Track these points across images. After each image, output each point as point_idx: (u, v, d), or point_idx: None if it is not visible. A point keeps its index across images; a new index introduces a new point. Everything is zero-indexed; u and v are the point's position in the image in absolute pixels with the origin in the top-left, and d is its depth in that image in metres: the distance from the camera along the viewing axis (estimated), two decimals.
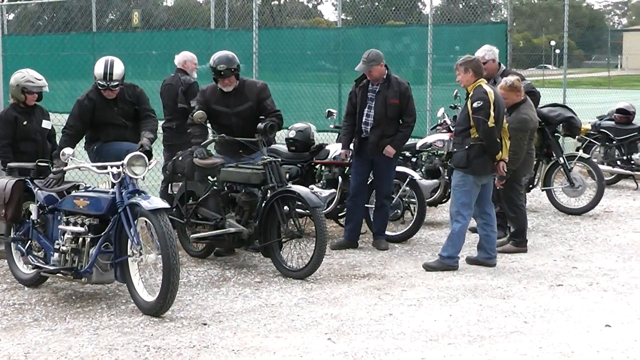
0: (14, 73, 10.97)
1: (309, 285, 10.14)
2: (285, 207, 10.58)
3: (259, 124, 10.96)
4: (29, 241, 9.87)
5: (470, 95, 10.86)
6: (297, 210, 10.95)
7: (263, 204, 10.64)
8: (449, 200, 14.38)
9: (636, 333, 8.43)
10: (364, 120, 11.96)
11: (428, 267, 10.91)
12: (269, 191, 10.58)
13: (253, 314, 8.99)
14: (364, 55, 11.87)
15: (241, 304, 9.39)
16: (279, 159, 11.26)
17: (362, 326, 8.59)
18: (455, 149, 10.99)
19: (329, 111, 13.31)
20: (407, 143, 13.04)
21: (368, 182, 12.22)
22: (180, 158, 11.43)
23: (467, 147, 10.78)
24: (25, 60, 24.82)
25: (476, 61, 11.15)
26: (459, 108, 14.37)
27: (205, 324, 8.60)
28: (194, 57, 14.01)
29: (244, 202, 10.82)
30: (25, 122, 10.66)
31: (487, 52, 13.03)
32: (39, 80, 10.83)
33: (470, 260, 11.26)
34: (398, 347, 7.96)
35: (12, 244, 10.18)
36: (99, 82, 10.48)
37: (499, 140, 10.80)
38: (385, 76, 11.92)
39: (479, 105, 10.69)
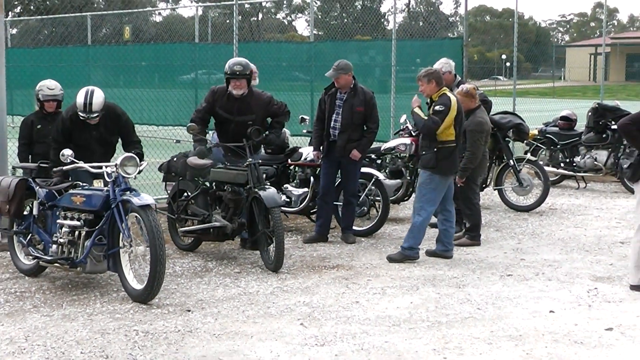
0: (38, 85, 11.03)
1: (283, 275, 10.12)
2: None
3: (248, 130, 10.95)
4: (30, 234, 9.87)
5: (435, 102, 10.87)
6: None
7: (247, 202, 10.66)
8: (411, 197, 14.46)
9: (577, 318, 8.45)
10: (332, 125, 11.97)
11: (391, 259, 10.88)
12: (250, 190, 10.58)
13: (233, 302, 8.97)
14: (335, 64, 11.91)
15: (222, 292, 9.36)
16: (259, 161, 11.28)
17: (331, 312, 8.58)
18: (423, 152, 10.96)
19: (302, 117, 13.30)
20: (372, 146, 13.05)
21: (336, 182, 12.22)
22: (174, 159, 11.47)
23: (435, 149, 10.79)
24: (26, 71, 24.77)
25: (437, 72, 11.20)
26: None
27: (189, 311, 8.57)
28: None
29: (229, 199, 10.81)
30: (39, 126, 10.66)
31: (444, 64, 13.13)
32: (51, 89, 10.87)
33: (430, 253, 11.25)
34: (364, 332, 7.96)
35: (14, 237, 10.16)
36: (79, 112, 10.08)
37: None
38: (352, 85, 11.94)
39: (441, 109, 10.74)
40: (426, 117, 10.84)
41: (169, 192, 11.84)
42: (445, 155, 10.89)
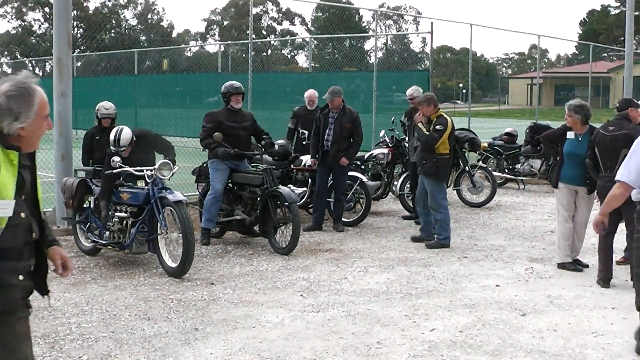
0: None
1: (287, 256, 10.07)
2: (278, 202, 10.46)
3: (262, 142, 11.03)
4: (88, 223, 9.87)
5: (434, 121, 10.86)
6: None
7: (261, 200, 10.58)
8: (389, 195, 14.45)
9: (517, 290, 8.44)
10: (325, 138, 11.98)
11: (429, 246, 10.79)
12: (265, 190, 10.50)
13: (247, 277, 8.93)
14: (330, 89, 11.96)
15: (238, 270, 9.32)
16: (273, 167, 11.30)
17: (325, 286, 8.55)
18: (424, 161, 10.92)
19: (302, 131, 13.24)
20: (357, 155, 13.03)
21: (329, 183, 12.21)
22: (204, 165, 11.42)
23: (434, 160, 10.82)
24: (87, 95, 24.72)
25: (433, 97, 11.20)
26: (395, 130, 14.41)
27: (212, 284, 8.54)
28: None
29: (248, 197, 10.76)
30: (97, 138, 10.64)
31: (415, 90, 13.25)
32: (107, 109, 10.86)
33: (415, 239, 11.26)
34: (350, 301, 7.93)
35: (76, 225, 10.19)
36: (111, 146, 9.63)
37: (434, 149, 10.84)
38: (342, 107, 11.95)
39: (440, 128, 10.77)
40: (428, 133, 10.80)
41: (200, 191, 11.81)
42: (443, 164, 10.99)
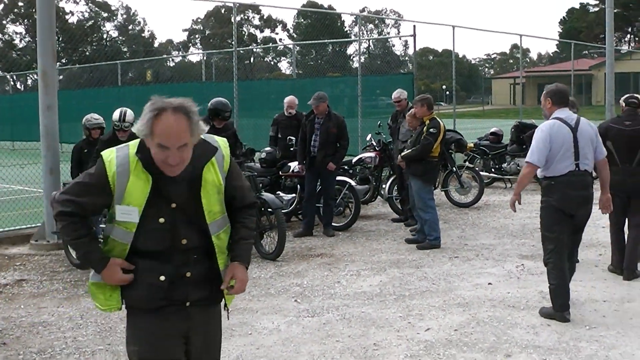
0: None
1: (279, 263, 10.11)
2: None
3: (243, 149, 11.14)
4: None
5: (427, 124, 10.99)
6: None
7: None
8: (377, 198, 14.51)
9: (508, 288, 8.52)
10: (312, 144, 12.07)
11: (420, 247, 10.86)
12: None
13: None
14: (314, 95, 12.03)
15: None
16: (255, 173, 11.29)
17: (318, 291, 8.59)
18: (412, 162, 11.10)
19: (289, 138, 13.29)
20: (345, 159, 13.11)
21: (318, 189, 12.27)
22: None
23: (423, 161, 10.98)
24: (72, 108, 24.66)
25: (429, 99, 11.32)
26: (382, 134, 14.48)
27: None
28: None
29: None
30: (86, 151, 10.65)
31: (400, 93, 13.33)
32: (96, 119, 10.93)
33: (409, 241, 11.35)
34: (344, 304, 7.98)
35: None
36: (115, 123, 10.07)
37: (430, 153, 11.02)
38: (327, 112, 12.02)
39: (434, 131, 10.94)
40: (419, 146, 10.94)
41: None
42: (432, 167, 11.15)
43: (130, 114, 10.19)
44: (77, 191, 3.72)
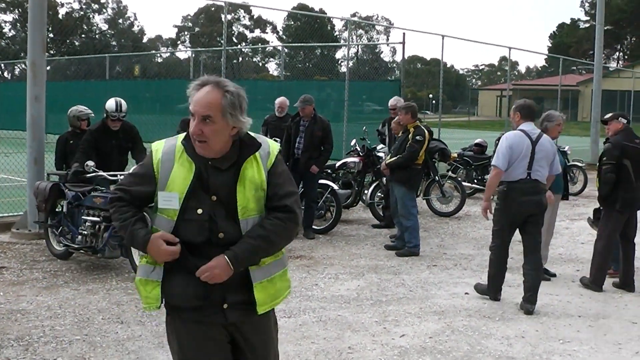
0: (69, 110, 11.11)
1: None
2: None
3: None
4: (61, 227, 9.88)
5: (412, 131, 11.06)
6: None
7: None
8: (359, 203, 14.56)
9: (484, 298, 8.60)
10: (296, 146, 12.15)
11: (399, 254, 10.90)
12: None
13: None
14: (301, 98, 12.12)
15: None
16: None
17: (296, 292, 8.63)
18: (397, 171, 11.16)
19: (274, 139, 13.30)
20: (328, 163, 13.18)
21: (300, 191, 12.32)
22: None
23: (408, 168, 11.07)
24: (58, 100, 24.58)
25: (414, 107, 11.40)
26: (367, 139, 14.55)
27: None
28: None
29: None
30: (71, 142, 10.70)
31: (397, 100, 13.51)
32: (83, 111, 10.92)
33: (389, 247, 11.40)
34: (322, 307, 8.03)
35: (49, 228, 10.19)
36: (111, 113, 10.16)
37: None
38: (312, 115, 12.09)
39: (420, 139, 11.02)
40: (405, 153, 10.99)
41: None
42: (416, 173, 11.29)
43: (124, 104, 10.31)
44: (127, 181, 3.84)
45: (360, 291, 8.78)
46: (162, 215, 3.70)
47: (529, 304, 8.13)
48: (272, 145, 3.78)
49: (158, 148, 3.76)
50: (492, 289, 8.59)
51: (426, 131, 11.27)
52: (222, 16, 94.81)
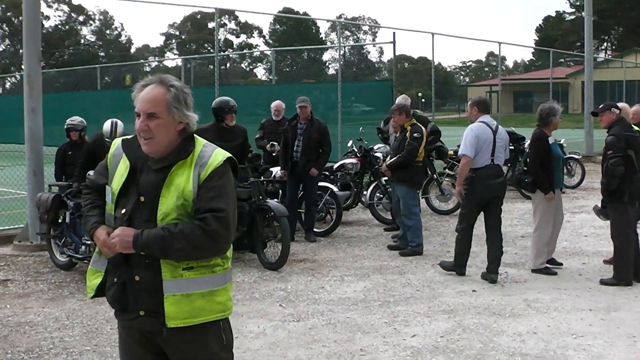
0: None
1: (262, 267, 10.08)
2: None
3: (248, 155, 10.80)
4: (64, 237, 9.83)
5: (409, 129, 11.04)
6: None
7: (249, 214, 10.27)
8: (358, 204, 14.48)
9: (492, 295, 8.56)
10: (294, 149, 12.07)
11: (403, 254, 10.86)
12: (253, 204, 10.29)
13: None
14: (300, 98, 12.26)
15: None
16: (262, 180, 11.10)
17: (303, 295, 8.59)
18: (399, 170, 11.11)
19: (271, 143, 13.22)
20: (327, 165, 13.11)
21: (299, 194, 12.27)
22: None
23: (408, 167, 11.04)
24: (50, 112, 24.46)
25: (406, 107, 11.50)
26: (363, 140, 14.48)
27: None
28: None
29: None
30: (69, 153, 10.69)
31: (404, 99, 13.25)
32: (72, 122, 11.01)
33: (392, 247, 11.35)
34: (329, 310, 7.97)
35: (51, 240, 10.15)
36: (106, 138, 10.22)
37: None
38: (309, 117, 12.04)
39: (418, 136, 11.02)
40: (404, 152, 10.96)
41: None
42: (417, 172, 11.27)
43: (121, 126, 10.31)
44: (93, 172, 3.94)
45: (367, 292, 8.72)
46: (108, 210, 3.71)
47: (492, 274, 9.28)
48: (215, 157, 3.61)
49: (115, 143, 3.79)
50: (458, 265, 9.62)
51: (423, 128, 11.21)
52: (211, 23, 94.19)
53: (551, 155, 9.53)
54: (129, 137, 3.74)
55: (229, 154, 3.68)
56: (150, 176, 3.59)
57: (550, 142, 9.59)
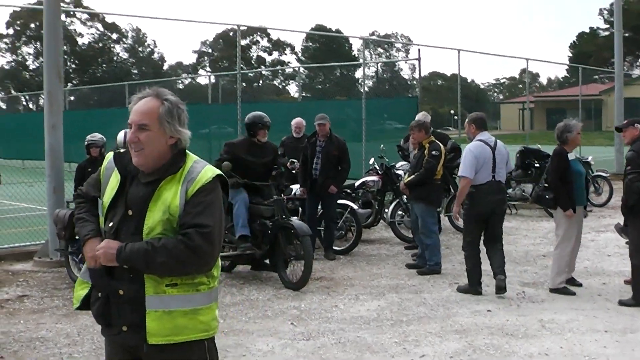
0: None
1: (278, 284, 10.05)
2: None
3: (273, 172, 10.70)
4: (81, 254, 9.83)
5: (428, 147, 11.01)
6: None
7: (271, 232, 10.18)
8: (380, 222, 14.41)
9: (508, 315, 8.45)
10: (313, 167, 12.08)
11: (421, 273, 10.79)
12: (276, 222, 10.16)
13: (237, 306, 8.91)
14: (318, 115, 12.26)
15: (229, 299, 9.30)
16: (284, 198, 11.01)
17: (315, 314, 8.54)
18: (417, 188, 11.07)
19: (291, 161, 13.20)
20: (347, 183, 13.08)
21: (319, 212, 12.26)
22: None
23: (426, 185, 10.99)
24: (80, 129, 24.72)
25: (425, 123, 11.39)
26: (385, 157, 14.43)
27: None
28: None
29: (258, 230, 10.29)
30: (89, 169, 10.74)
31: (424, 116, 13.15)
32: (93, 138, 10.99)
33: (410, 266, 11.29)
34: (341, 329, 7.92)
35: (69, 256, 10.23)
36: (120, 148, 10.23)
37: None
38: (328, 135, 12.02)
39: (436, 154, 10.98)
40: (422, 169, 10.92)
41: None
42: (435, 190, 11.20)
43: None
44: (86, 182, 3.94)
45: (381, 311, 8.65)
46: (101, 221, 3.73)
47: (500, 275, 9.41)
48: (204, 173, 3.58)
49: (108, 157, 3.81)
50: (472, 284, 9.58)
51: (441, 145, 11.15)
52: (243, 40, 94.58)
53: (570, 172, 9.43)
54: (121, 150, 3.75)
55: (219, 171, 3.65)
56: (139, 189, 3.59)
57: (570, 159, 9.51)
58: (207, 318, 3.64)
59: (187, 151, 3.68)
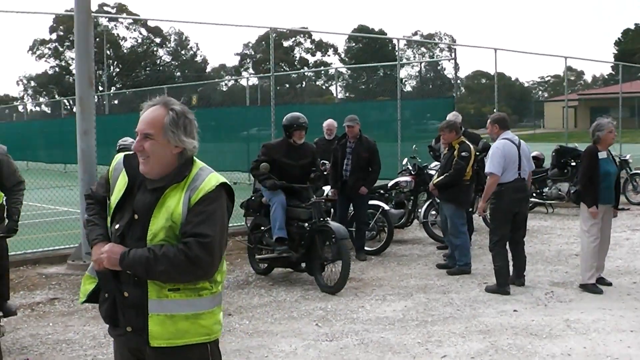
0: None
1: (307, 286, 10.11)
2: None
3: (311, 175, 10.67)
4: None
5: (457, 148, 11.04)
6: None
7: (308, 235, 10.13)
8: (414, 222, 14.39)
9: (533, 315, 8.41)
10: (344, 168, 12.11)
11: (450, 273, 10.82)
12: (313, 225, 10.09)
13: (265, 308, 8.99)
14: (347, 117, 12.31)
15: (257, 300, 9.38)
16: (322, 200, 10.95)
17: (341, 315, 8.58)
18: (447, 189, 11.12)
19: (322, 162, 13.24)
20: (380, 184, 13.11)
21: (350, 213, 12.30)
22: (252, 198, 10.98)
23: (455, 186, 11.04)
24: (120, 133, 25.04)
25: (455, 124, 11.39)
26: (417, 157, 14.42)
27: (230, 315, 8.58)
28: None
29: (295, 232, 10.25)
30: None
31: (455, 116, 13.10)
32: (125, 142, 10.93)
33: (440, 266, 11.30)
34: (365, 329, 7.95)
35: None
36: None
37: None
38: (358, 136, 12.06)
39: (466, 155, 11.02)
40: (451, 171, 10.98)
41: (248, 225, 11.52)
42: (464, 190, 11.22)
43: None
44: (96, 183, 4.00)
45: (407, 312, 8.67)
46: (107, 221, 3.81)
47: (520, 279, 9.96)
48: (208, 181, 3.61)
49: (117, 157, 3.85)
50: (500, 284, 9.63)
51: (471, 146, 11.14)
52: (286, 42, 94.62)
53: (597, 171, 9.40)
54: (130, 152, 3.78)
55: (223, 179, 3.68)
56: (146, 195, 3.64)
57: (600, 157, 9.47)
58: (209, 322, 3.68)
59: (194, 158, 3.73)
